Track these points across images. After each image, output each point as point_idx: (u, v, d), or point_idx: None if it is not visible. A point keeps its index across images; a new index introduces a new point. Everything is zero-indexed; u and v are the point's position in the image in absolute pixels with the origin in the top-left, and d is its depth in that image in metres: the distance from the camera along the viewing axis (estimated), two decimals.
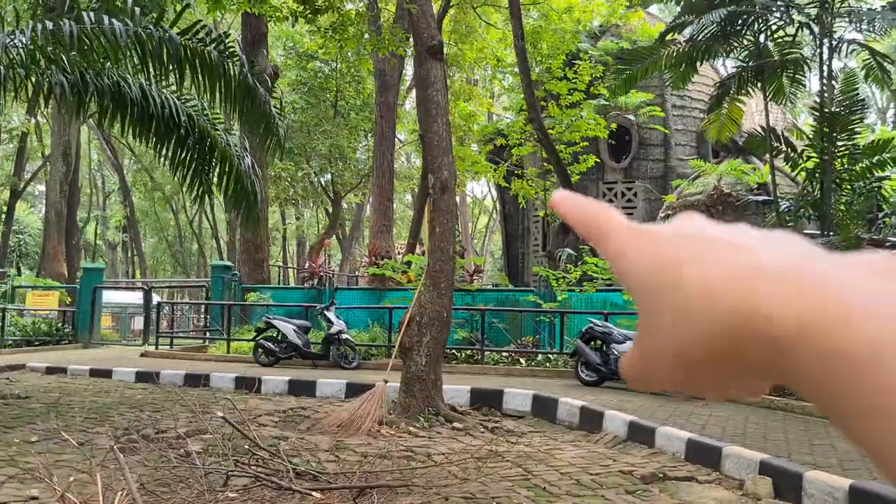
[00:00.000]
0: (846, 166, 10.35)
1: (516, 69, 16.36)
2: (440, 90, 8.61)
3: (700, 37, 11.22)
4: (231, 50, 9.24)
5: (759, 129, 11.41)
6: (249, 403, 9.00)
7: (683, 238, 0.35)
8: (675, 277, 0.33)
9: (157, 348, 14.97)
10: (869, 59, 10.86)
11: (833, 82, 10.47)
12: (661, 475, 5.94)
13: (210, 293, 17.02)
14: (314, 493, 4.20)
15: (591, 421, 7.93)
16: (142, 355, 14.29)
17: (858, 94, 10.25)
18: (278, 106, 10.92)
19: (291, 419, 8.05)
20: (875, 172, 10.47)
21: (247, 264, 17.73)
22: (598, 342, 10.46)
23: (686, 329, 0.32)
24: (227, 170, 10.70)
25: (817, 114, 10.46)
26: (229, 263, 18.44)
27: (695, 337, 0.32)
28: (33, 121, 34.77)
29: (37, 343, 16.36)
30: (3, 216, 34.37)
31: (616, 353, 10.14)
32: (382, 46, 10.73)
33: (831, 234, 10.12)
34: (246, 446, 5.04)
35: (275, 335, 12.67)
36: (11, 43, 8.57)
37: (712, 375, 0.33)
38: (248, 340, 13.68)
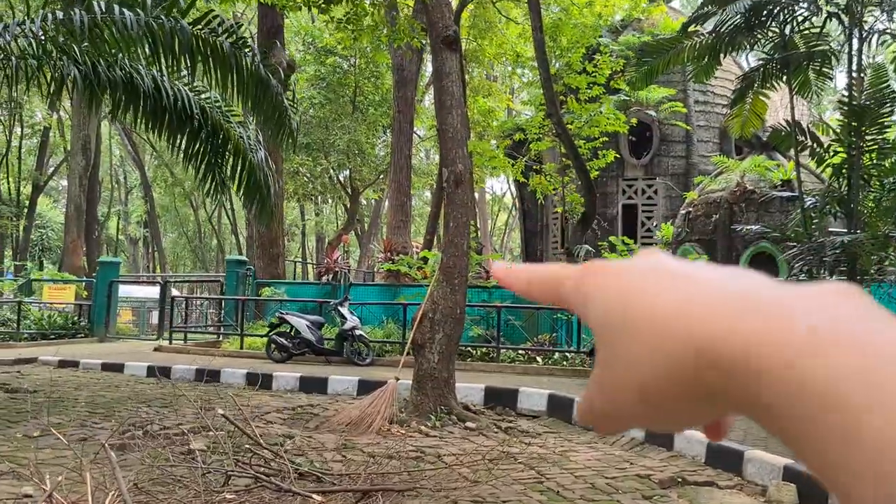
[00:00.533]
0: (875, 162, 10.00)
1: (535, 63, 16.10)
2: (455, 81, 8.41)
3: (724, 28, 10.91)
4: (243, 40, 9.09)
5: (783, 124, 11.09)
6: (259, 400, 8.87)
7: (643, 272, 0.34)
8: (636, 310, 0.32)
9: (170, 343, 14.90)
10: None
11: (861, 75, 10.13)
12: (679, 480, 5.71)
13: (225, 288, 16.94)
14: (314, 497, 4.02)
15: None
16: (155, 350, 14.23)
17: (889, 86, 9.89)
18: (291, 98, 10.76)
19: (300, 417, 7.89)
20: None
21: (262, 259, 17.62)
22: None
23: (650, 361, 0.31)
24: (240, 163, 10.58)
25: (845, 108, 10.13)
26: (244, 258, 18.33)
27: (658, 369, 0.31)
28: (55, 116, 35.03)
29: (52, 336, 16.36)
30: (26, 210, 34.68)
31: None
32: (398, 37, 10.53)
33: (858, 231, 9.79)
34: (247, 445, 4.88)
35: (288, 331, 12.53)
36: (22, 32, 8.48)
37: (675, 408, 0.32)
38: (262, 336, 13.56)
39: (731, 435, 6.68)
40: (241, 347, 14.05)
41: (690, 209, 17.83)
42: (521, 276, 0.40)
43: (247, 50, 8.83)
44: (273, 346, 12.50)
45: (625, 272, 0.35)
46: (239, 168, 10.52)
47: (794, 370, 0.27)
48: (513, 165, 17.18)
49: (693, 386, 0.30)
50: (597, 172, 16.02)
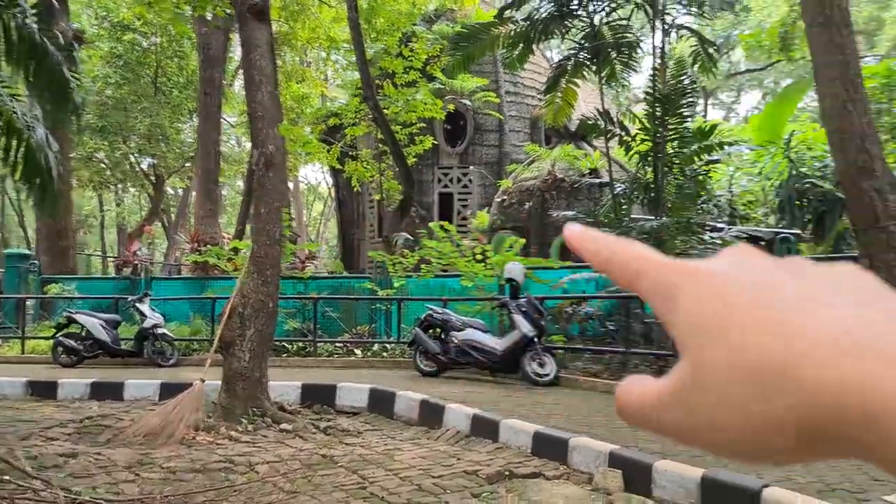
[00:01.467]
0: (676, 150, 10.47)
1: (350, 47, 15.58)
2: (264, 55, 7.74)
3: (537, 16, 11.00)
4: None
5: (594, 112, 11.37)
6: (41, 413, 7.77)
7: (754, 287, 0.31)
8: (758, 342, 0.29)
9: None
10: (696, 45, 11.06)
11: (665, 66, 10.56)
12: (507, 473, 5.50)
13: (3, 286, 15.00)
14: None
15: (431, 415, 7.42)
16: None
17: (689, 77, 10.37)
18: (76, 71, 9.57)
19: (88, 430, 6.93)
20: (703, 157, 10.66)
21: (48, 253, 15.80)
22: (438, 330, 10.01)
23: (773, 399, 0.29)
24: (16, 142, 9.25)
25: (651, 98, 10.51)
26: (27, 252, 16.39)
27: (779, 409, 0.29)
28: None
29: None
30: None
31: (455, 340, 9.71)
32: (199, 5, 9.65)
33: (663, 216, 10.21)
34: (8, 478, 4.05)
35: (78, 331, 11.25)
36: None
37: (793, 447, 0.29)
38: (47, 338, 12.08)
39: (554, 422, 6.61)
40: (23, 352, 12.48)
41: (505, 197, 18.12)
42: (595, 248, 0.35)
43: (16, 10, 7.64)
44: (60, 348, 11.16)
45: (724, 285, 0.31)
46: (14, 148, 9.19)
47: None
48: (328, 151, 16.58)
49: (829, 439, 0.27)
50: (414, 159, 15.81)
